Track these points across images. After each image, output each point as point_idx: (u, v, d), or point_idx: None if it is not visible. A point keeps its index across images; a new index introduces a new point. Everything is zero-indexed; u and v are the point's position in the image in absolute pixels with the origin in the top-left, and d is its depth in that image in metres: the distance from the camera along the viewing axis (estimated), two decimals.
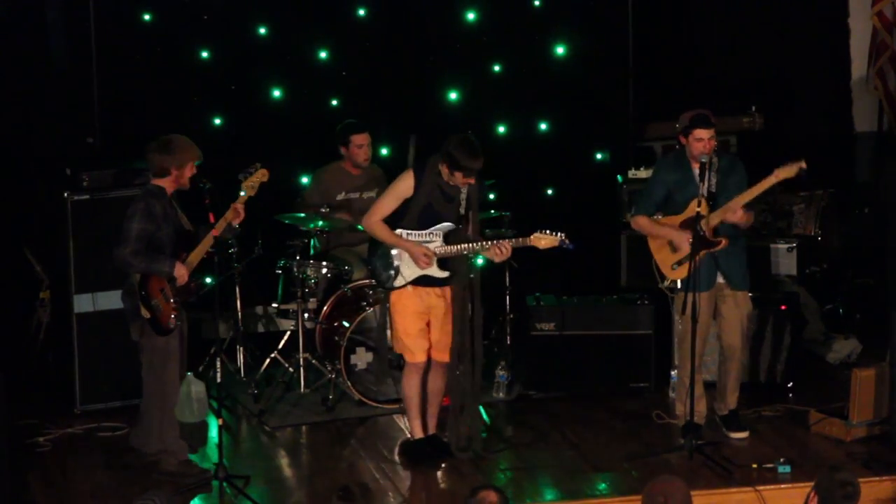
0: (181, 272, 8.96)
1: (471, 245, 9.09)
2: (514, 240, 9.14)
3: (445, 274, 9.13)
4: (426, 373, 9.32)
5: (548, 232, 9.08)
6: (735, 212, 9.28)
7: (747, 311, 9.65)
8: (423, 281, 9.15)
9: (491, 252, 9.05)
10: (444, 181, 9.06)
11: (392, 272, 9.15)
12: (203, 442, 9.77)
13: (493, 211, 10.77)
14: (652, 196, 9.62)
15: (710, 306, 9.51)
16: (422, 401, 9.37)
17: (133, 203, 9.02)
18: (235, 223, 9.12)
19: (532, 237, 9.09)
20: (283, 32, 11.49)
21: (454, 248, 9.09)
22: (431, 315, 9.20)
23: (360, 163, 10.81)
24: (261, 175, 9.16)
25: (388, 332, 9.44)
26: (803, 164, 9.23)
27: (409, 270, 9.13)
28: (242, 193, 9.09)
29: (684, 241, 9.40)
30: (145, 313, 8.95)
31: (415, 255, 9.06)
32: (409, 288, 9.15)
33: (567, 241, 9.06)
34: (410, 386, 9.28)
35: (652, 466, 9.09)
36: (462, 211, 9.13)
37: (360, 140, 10.79)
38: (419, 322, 9.19)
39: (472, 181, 9.04)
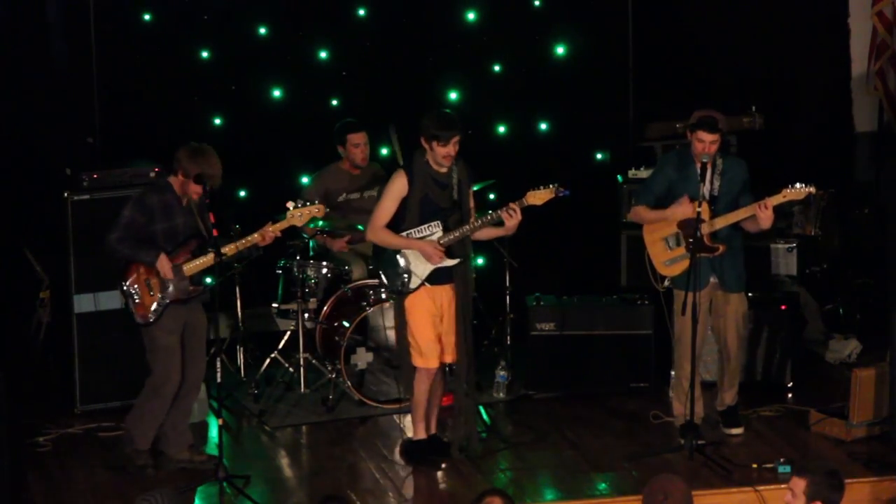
0: (163, 265, 8.93)
1: (471, 224, 9.09)
2: (509, 206, 9.05)
3: (456, 261, 9.11)
4: None
5: (541, 187, 9.09)
6: (766, 207, 9.25)
7: (743, 311, 9.65)
8: (436, 276, 9.11)
9: (504, 217, 9.00)
10: (433, 170, 9.06)
11: (405, 276, 9.09)
12: (203, 442, 9.77)
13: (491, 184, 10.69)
14: (653, 189, 9.61)
15: (704, 305, 9.50)
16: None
17: (135, 193, 9.11)
18: (263, 243, 9.09)
19: (527, 196, 9.08)
20: (283, 32, 11.49)
21: (456, 233, 9.08)
22: (444, 317, 9.18)
23: (358, 162, 10.79)
24: (315, 210, 9.04)
25: (386, 333, 9.45)
26: (812, 190, 9.27)
27: (420, 268, 9.09)
28: (282, 219, 9.01)
29: (680, 212, 9.36)
30: (120, 298, 8.96)
31: (427, 252, 9.03)
32: (423, 289, 9.13)
33: (561, 189, 9.09)
34: (422, 391, 9.24)
35: (652, 466, 9.08)
36: (455, 196, 9.12)
37: (357, 139, 10.77)
38: (436, 327, 9.16)
39: (454, 151, 9.01)
